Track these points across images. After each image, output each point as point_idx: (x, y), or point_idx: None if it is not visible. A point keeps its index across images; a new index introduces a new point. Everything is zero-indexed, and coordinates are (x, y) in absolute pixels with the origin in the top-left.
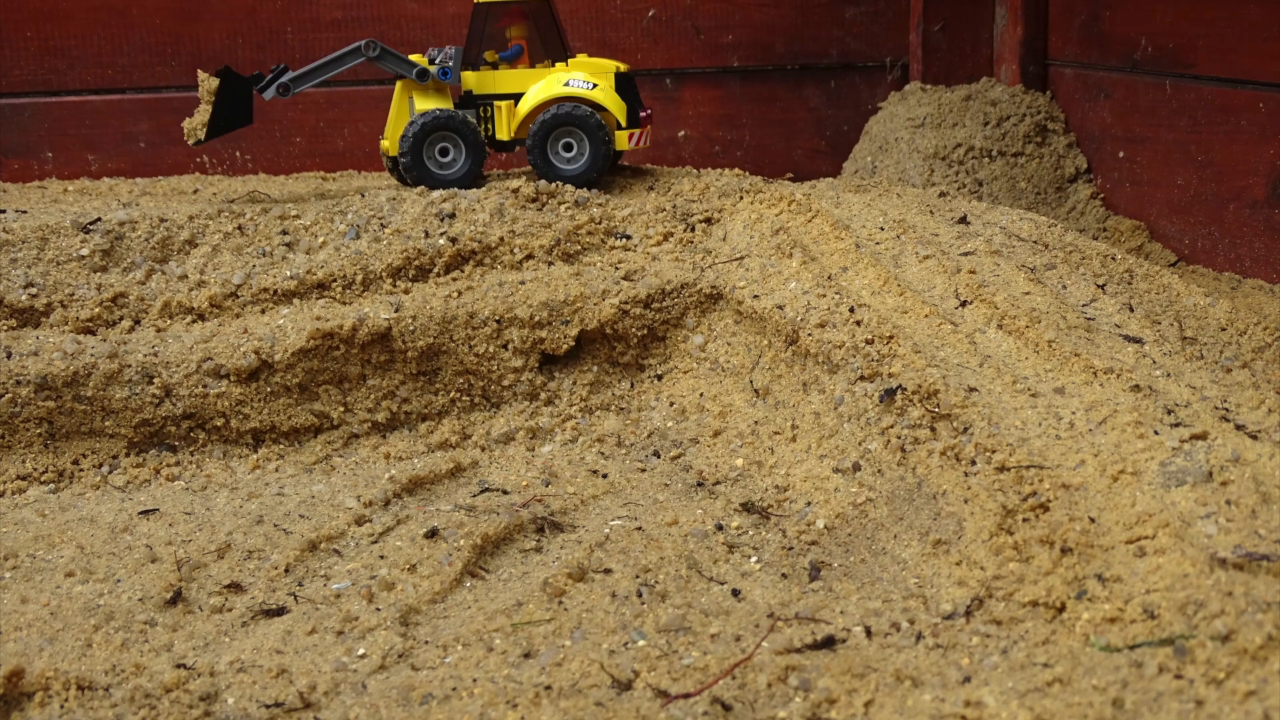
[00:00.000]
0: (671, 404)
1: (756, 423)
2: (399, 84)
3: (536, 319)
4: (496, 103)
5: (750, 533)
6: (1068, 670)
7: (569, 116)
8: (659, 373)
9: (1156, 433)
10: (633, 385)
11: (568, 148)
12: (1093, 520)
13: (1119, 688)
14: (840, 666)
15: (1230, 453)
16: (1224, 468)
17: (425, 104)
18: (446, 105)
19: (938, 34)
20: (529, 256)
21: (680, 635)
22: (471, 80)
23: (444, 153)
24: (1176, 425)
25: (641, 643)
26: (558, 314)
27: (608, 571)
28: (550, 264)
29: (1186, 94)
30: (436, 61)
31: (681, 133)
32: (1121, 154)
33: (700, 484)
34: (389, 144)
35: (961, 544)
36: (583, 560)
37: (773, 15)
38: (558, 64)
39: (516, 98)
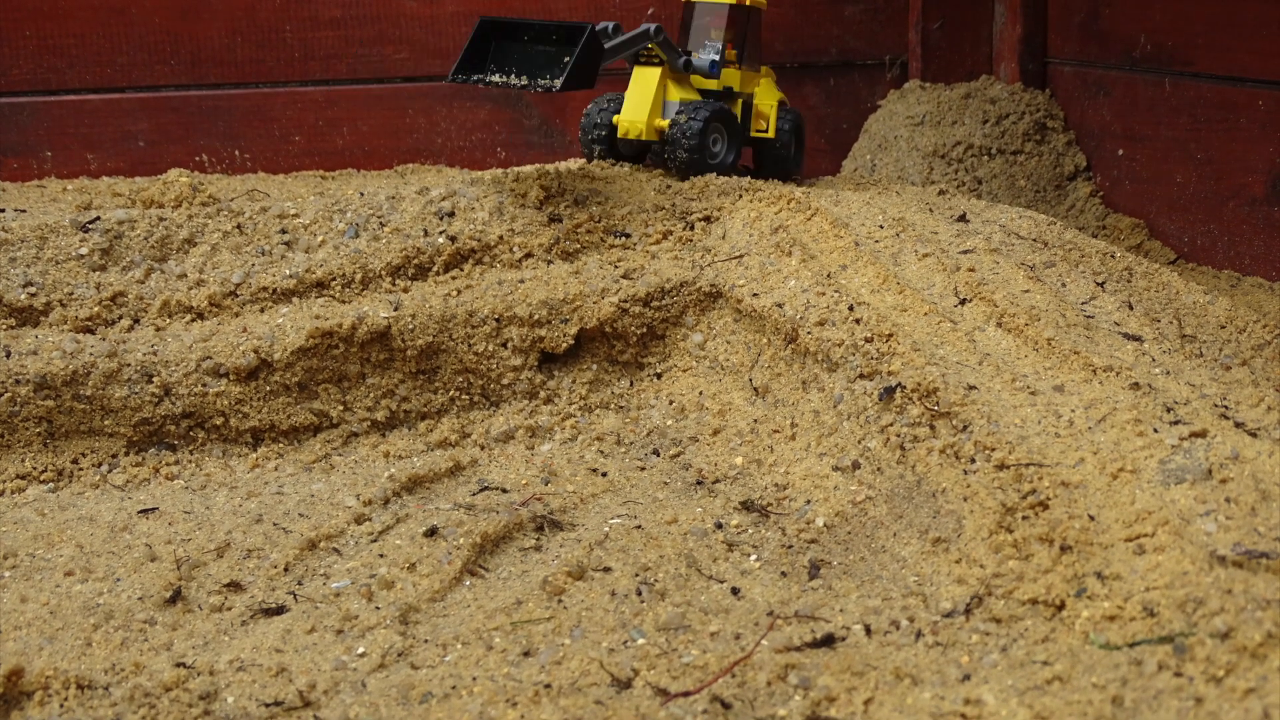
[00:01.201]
0: (671, 402)
1: (756, 421)
2: (651, 70)
3: (536, 317)
4: (755, 102)
5: (750, 531)
6: (1067, 668)
7: (798, 119)
8: (658, 371)
9: (1156, 430)
10: (632, 384)
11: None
12: (1092, 518)
13: (1119, 685)
14: (840, 664)
15: (1230, 450)
16: (1223, 465)
17: (677, 94)
18: (694, 96)
19: (937, 32)
20: (528, 255)
21: (680, 633)
22: (734, 78)
23: (715, 142)
24: (1176, 423)
25: (641, 641)
26: (557, 312)
27: (607, 570)
28: (549, 262)
29: (1186, 92)
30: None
31: None
32: (1121, 152)
33: (700, 482)
34: (634, 124)
35: (961, 542)
36: (582, 559)
37: (772, 13)
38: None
39: (748, 98)
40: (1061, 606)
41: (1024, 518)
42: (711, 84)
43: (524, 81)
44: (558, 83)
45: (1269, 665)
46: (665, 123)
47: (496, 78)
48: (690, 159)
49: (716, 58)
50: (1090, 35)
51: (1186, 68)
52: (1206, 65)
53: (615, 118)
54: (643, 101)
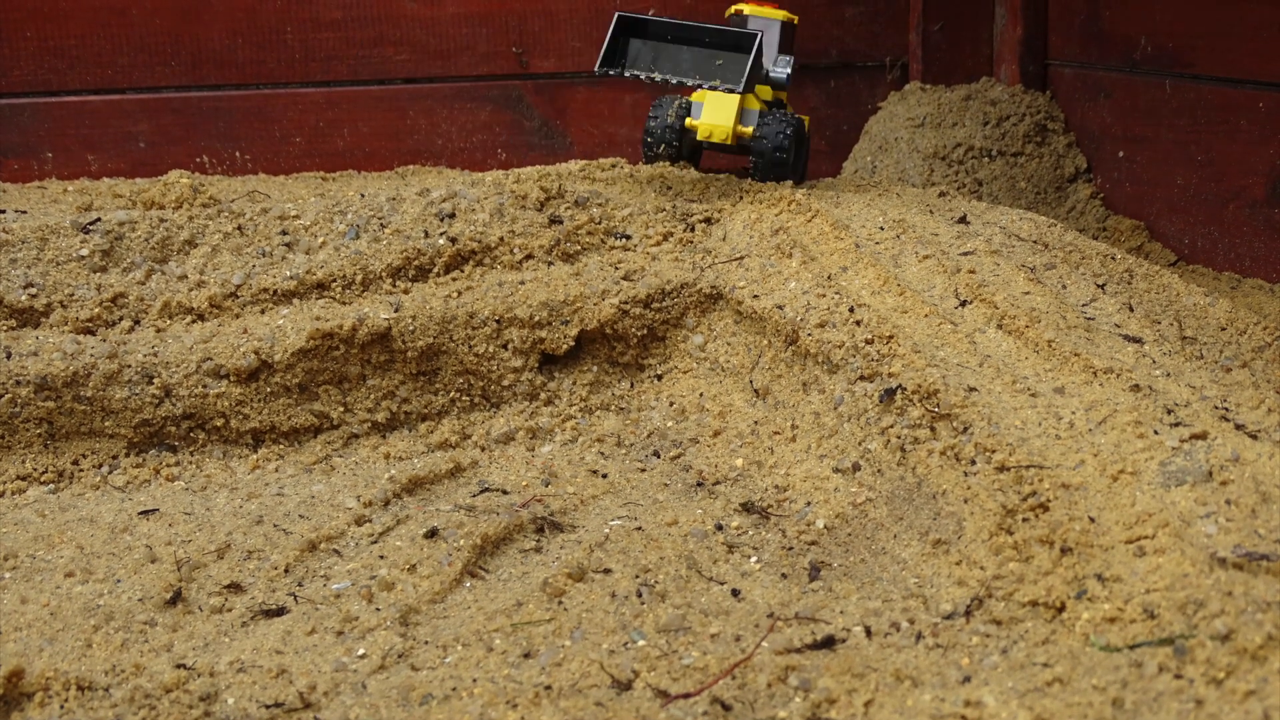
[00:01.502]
0: (671, 404)
1: (756, 423)
2: None
3: (536, 319)
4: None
5: (750, 533)
6: (1068, 670)
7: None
8: (659, 373)
9: (1156, 432)
10: (632, 385)
11: None
12: (1092, 520)
13: (1119, 687)
14: (840, 666)
15: (1230, 452)
16: (1224, 467)
17: (754, 103)
18: (762, 106)
19: (937, 34)
20: (529, 256)
21: (680, 635)
22: (785, 93)
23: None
24: (1176, 425)
25: (641, 643)
26: (557, 314)
27: (607, 571)
28: (550, 264)
29: (1186, 93)
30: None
31: None
32: (1121, 154)
33: (700, 484)
34: (719, 128)
35: (961, 544)
36: (582, 560)
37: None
38: None
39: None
40: (1062, 608)
41: (1024, 520)
42: (767, 94)
43: (697, 81)
44: (740, 86)
45: (1269, 667)
46: (748, 130)
47: (656, 75)
48: (778, 167)
49: (790, 71)
50: (1090, 37)
51: (1187, 69)
52: (1207, 67)
53: (689, 121)
54: (728, 107)
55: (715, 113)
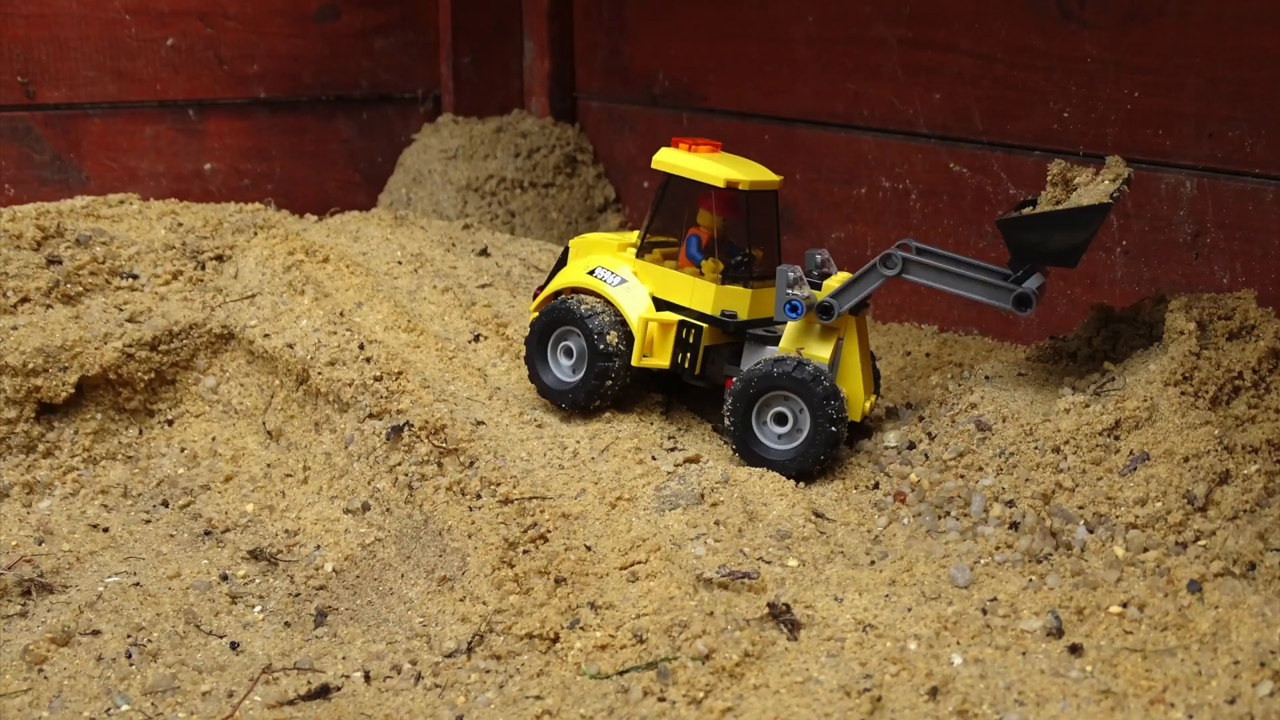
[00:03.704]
0: (183, 450)
1: (269, 465)
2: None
3: (30, 366)
4: None
5: (257, 581)
6: (558, 701)
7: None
8: (170, 417)
9: (654, 458)
10: (141, 432)
11: None
12: (589, 548)
13: (606, 715)
14: (331, 716)
15: (721, 474)
16: (714, 489)
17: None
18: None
19: (468, 66)
20: (24, 300)
21: (169, 695)
22: None
23: None
24: (673, 450)
25: (125, 707)
26: (54, 360)
27: (96, 633)
28: (49, 307)
29: (702, 126)
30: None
31: (208, 166)
32: (646, 184)
33: (209, 532)
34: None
35: (465, 579)
36: (69, 623)
37: (299, 45)
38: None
39: None
40: (556, 639)
41: (525, 552)
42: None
43: None
44: None
45: (745, 684)
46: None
47: None
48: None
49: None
50: (613, 72)
51: (701, 103)
52: (718, 101)
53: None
54: (858, 369)
55: (867, 382)
